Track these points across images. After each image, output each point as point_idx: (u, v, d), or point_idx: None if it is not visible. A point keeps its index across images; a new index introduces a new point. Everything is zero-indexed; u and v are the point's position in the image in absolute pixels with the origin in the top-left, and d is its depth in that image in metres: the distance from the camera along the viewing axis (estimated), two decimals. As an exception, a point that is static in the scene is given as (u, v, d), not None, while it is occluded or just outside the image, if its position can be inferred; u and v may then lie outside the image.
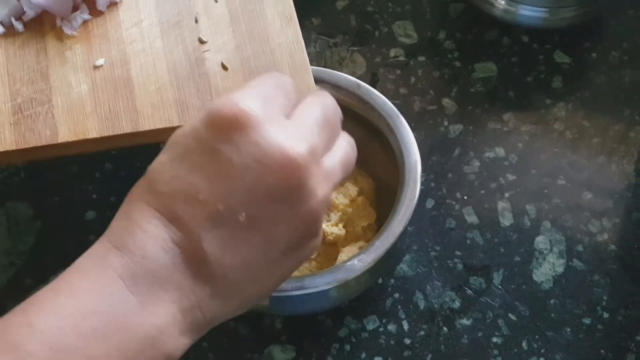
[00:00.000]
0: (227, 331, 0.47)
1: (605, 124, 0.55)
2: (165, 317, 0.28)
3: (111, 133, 0.39)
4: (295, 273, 0.44)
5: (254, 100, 0.30)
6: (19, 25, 0.41)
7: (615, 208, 0.51)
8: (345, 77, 0.47)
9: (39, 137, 0.38)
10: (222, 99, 0.30)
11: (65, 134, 0.39)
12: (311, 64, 0.58)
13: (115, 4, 0.43)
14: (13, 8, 0.41)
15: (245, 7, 0.43)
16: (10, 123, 0.39)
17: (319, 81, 0.47)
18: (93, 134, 0.39)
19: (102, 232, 0.50)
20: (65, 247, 0.50)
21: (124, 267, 0.28)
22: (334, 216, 0.47)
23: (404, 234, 0.42)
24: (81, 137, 0.39)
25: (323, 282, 0.40)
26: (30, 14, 0.41)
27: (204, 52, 0.42)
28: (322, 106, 0.33)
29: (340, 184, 0.48)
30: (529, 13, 0.57)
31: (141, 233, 0.29)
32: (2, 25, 0.40)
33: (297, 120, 0.31)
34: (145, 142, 0.41)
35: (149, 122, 0.39)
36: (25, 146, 0.38)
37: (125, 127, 0.39)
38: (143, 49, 0.42)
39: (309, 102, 0.33)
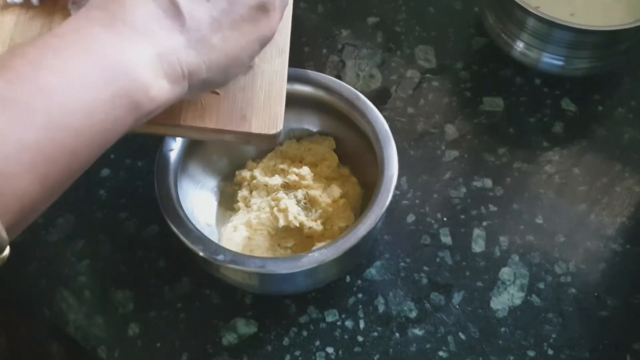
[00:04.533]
0: (201, 297, 0.51)
1: (595, 175, 0.57)
2: (142, 54, 0.33)
3: None
4: (269, 255, 0.49)
5: None
6: (34, 0, 0.45)
7: (584, 255, 0.53)
8: (348, 88, 0.51)
9: None
10: None
11: None
12: (330, 72, 0.63)
13: None
14: None
15: None
16: None
17: (322, 87, 0.52)
18: None
19: (113, 188, 0.56)
20: (77, 196, 0.56)
21: (104, 17, 0.33)
22: (315, 212, 0.51)
23: (367, 237, 0.45)
24: None
25: (284, 266, 0.44)
26: None
27: None
28: None
29: (326, 184, 0.52)
30: (545, 59, 0.59)
31: None
32: None
33: None
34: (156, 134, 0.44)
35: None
36: None
37: None
38: None
39: None
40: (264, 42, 0.38)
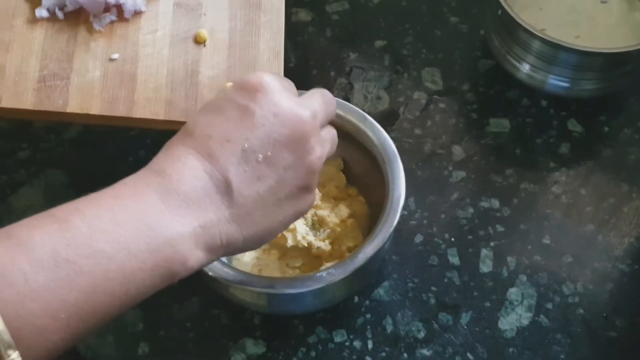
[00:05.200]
0: (210, 317, 0.52)
1: (602, 196, 0.57)
2: (188, 227, 0.34)
3: (108, 114, 0.47)
4: (278, 275, 0.49)
5: (274, 79, 0.38)
6: (60, 14, 0.49)
7: (591, 276, 0.53)
8: (356, 110, 0.52)
9: (53, 104, 0.47)
10: (250, 74, 0.39)
11: (73, 106, 0.47)
12: (338, 94, 0.64)
13: (140, 13, 0.51)
14: (59, 0, 0.50)
15: (244, 37, 0.51)
16: (34, 89, 0.47)
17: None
18: (94, 111, 0.47)
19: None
20: (88, 216, 0.57)
21: (160, 185, 0.35)
22: (323, 232, 0.51)
23: (375, 257, 0.46)
24: (85, 111, 0.47)
25: (292, 286, 0.45)
26: (70, 7, 0.50)
27: (199, 66, 0.49)
28: (322, 94, 0.41)
29: (334, 204, 0.53)
30: (551, 81, 0.60)
31: (179, 163, 0.35)
32: (48, 11, 0.49)
33: (303, 98, 0.40)
34: (136, 126, 0.49)
35: (141, 112, 0.47)
36: (41, 109, 0.46)
37: (121, 111, 0.47)
38: (152, 53, 0.49)
39: (313, 91, 0.41)
40: (300, 215, 0.40)
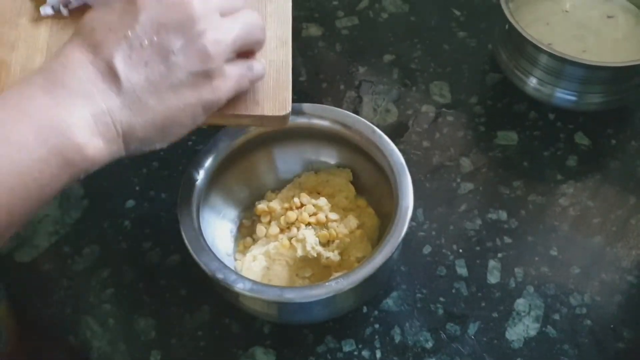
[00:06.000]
0: (221, 326, 0.53)
1: (609, 207, 0.58)
2: (77, 116, 0.35)
3: None
4: (288, 285, 0.50)
5: None
6: (64, 11, 0.50)
7: (599, 287, 0.53)
8: (364, 122, 0.53)
9: None
10: None
11: None
12: (348, 107, 0.65)
13: None
14: None
15: None
16: None
17: (339, 121, 0.53)
18: None
19: (137, 219, 0.58)
20: (103, 226, 0.58)
21: (45, 80, 0.36)
22: (332, 243, 0.52)
23: (383, 267, 0.46)
24: None
25: (301, 295, 0.45)
26: (74, 3, 0.50)
27: None
28: (253, 25, 0.41)
29: (344, 215, 0.54)
30: (558, 94, 0.61)
31: (63, 58, 0.37)
32: (52, 8, 0.50)
33: None
34: None
35: None
36: None
37: None
38: None
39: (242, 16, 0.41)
40: (209, 106, 0.40)
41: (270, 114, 0.46)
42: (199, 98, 0.39)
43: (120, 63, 0.36)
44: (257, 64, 0.42)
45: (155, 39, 0.37)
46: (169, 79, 0.37)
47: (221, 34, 0.39)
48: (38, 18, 0.50)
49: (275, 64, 0.48)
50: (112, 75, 0.36)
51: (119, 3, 0.38)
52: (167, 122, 0.38)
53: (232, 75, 0.40)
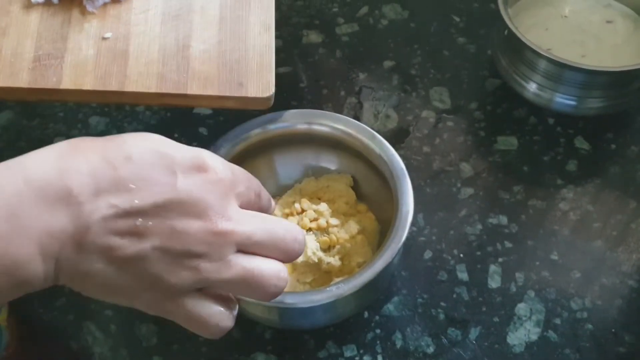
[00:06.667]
0: (222, 331, 0.53)
1: (609, 212, 0.58)
2: (26, 251, 0.31)
3: (102, 89, 0.49)
4: (288, 290, 0.50)
5: (221, 162, 0.36)
6: None
7: (600, 291, 0.54)
8: (364, 128, 0.53)
9: (47, 81, 0.48)
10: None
11: (67, 83, 0.48)
12: (348, 113, 0.65)
13: None
14: None
15: (235, 12, 0.52)
16: (29, 68, 0.49)
17: (340, 127, 0.54)
18: (87, 86, 0.49)
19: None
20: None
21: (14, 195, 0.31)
22: (334, 249, 0.52)
23: (384, 272, 0.46)
24: (78, 87, 0.48)
25: (302, 300, 0.45)
26: None
27: (190, 41, 0.51)
28: (282, 228, 0.37)
29: (344, 220, 0.54)
30: (558, 99, 0.61)
31: (59, 176, 0.31)
32: None
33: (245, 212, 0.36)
34: (128, 102, 0.51)
35: (133, 85, 0.49)
36: (35, 86, 0.48)
37: (113, 86, 0.49)
38: (144, 31, 0.51)
39: (275, 219, 0.37)
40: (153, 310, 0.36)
41: (254, 96, 0.48)
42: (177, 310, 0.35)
43: (99, 223, 0.32)
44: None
45: (153, 231, 0.32)
46: (134, 264, 0.33)
47: (214, 272, 0.34)
48: (29, 5, 0.51)
49: (259, 48, 0.50)
50: (84, 227, 0.32)
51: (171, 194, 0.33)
52: (109, 296, 0.35)
53: (190, 311, 0.35)
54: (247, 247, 0.35)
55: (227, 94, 0.48)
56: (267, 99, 0.48)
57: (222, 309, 0.36)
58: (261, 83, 0.48)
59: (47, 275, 0.32)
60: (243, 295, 0.38)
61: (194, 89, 0.48)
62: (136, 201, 0.32)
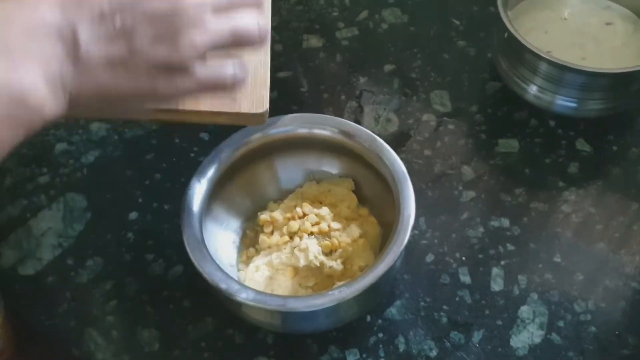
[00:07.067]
0: (224, 336, 0.53)
1: (611, 214, 0.58)
2: (30, 79, 0.34)
3: None
4: (291, 295, 0.50)
5: None
6: None
7: (603, 294, 0.53)
8: (365, 131, 0.53)
9: None
10: None
11: None
12: (349, 117, 0.65)
13: None
14: None
15: None
16: None
17: (341, 131, 0.54)
18: None
19: (140, 231, 0.59)
20: (106, 239, 0.58)
21: (3, 34, 0.34)
22: (335, 252, 0.52)
23: (386, 276, 0.46)
24: None
25: (304, 304, 0.45)
26: None
27: None
28: None
29: (346, 224, 0.54)
30: (559, 101, 0.61)
31: (30, 9, 0.35)
32: None
33: None
34: (119, 117, 0.51)
35: None
36: None
37: None
38: None
39: None
40: (162, 97, 0.39)
41: (247, 112, 0.46)
42: (153, 87, 0.37)
43: (84, 34, 0.35)
44: (233, 67, 0.40)
45: (129, 22, 0.36)
46: (127, 61, 0.36)
47: (201, 35, 0.37)
48: None
49: (254, 63, 0.48)
50: (73, 44, 0.35)
51: None
52: (114, 99, 0.37)
53: (199, 76, 0.38)
54: (221, 9, 0.38)
55: (220, 109, 0.46)
56: (261, 115, 0.47)
57: (230, 60, 0.39)
58: (255, 99, 0.47)
59: (56, 97, 0.35)
60: (235, 48, 0.39)
61: (186, 104, 0.47)
62: (105, 4, 0.35)
